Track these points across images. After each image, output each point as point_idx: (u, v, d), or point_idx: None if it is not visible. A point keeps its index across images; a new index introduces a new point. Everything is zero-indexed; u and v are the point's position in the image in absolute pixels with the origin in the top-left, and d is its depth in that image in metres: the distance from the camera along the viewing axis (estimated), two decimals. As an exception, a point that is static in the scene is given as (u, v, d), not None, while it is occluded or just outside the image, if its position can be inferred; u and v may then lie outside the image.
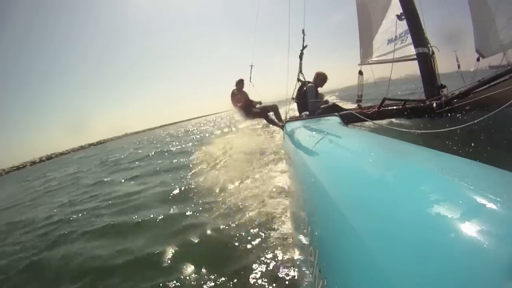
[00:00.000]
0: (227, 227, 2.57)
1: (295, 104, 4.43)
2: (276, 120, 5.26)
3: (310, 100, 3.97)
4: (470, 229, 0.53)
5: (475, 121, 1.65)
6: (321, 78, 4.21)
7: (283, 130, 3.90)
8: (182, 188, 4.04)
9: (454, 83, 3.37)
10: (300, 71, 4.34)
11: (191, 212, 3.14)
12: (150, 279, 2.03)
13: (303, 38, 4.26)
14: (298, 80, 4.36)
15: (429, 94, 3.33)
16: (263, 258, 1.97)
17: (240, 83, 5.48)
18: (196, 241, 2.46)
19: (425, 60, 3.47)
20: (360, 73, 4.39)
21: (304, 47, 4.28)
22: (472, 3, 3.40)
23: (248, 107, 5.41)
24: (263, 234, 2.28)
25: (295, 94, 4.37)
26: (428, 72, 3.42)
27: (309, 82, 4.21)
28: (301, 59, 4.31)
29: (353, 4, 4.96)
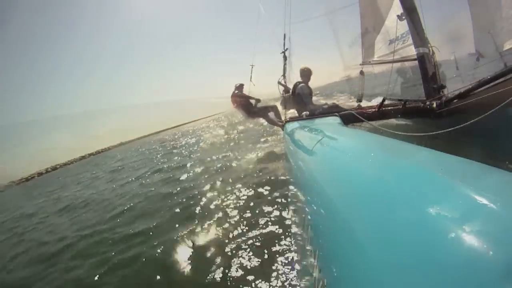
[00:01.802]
0: (228, 228, 2.57)
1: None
2: (276, 120, 5.26)
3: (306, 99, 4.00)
4: (469, 229, 0.53)
5: (472, 121, 1.65)
6: (305, 74, 4.21)
7: (283, 130, 3.89)
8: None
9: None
10: (284, 74, 4.37)
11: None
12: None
13: (284, 42, 4.32)
14: (279, 83, 4.40)
15: (429, 94, 3.32)
16: (263, 258, 1.97)
17: (240, 87, 5.52)
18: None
19: (425, 60, 3.46)
20: (362, 73, 4.39)
21: (285, 50, 4.34)
22: (472, 3, 3.40)
23: (248, 107, 5.42)
24: (263, 234, 2.28)
25: (281, 93, 4.44)
26: (428, 72, 3.41)
27: (300, 83, 4.22)
28: (284, 62, 4.35)
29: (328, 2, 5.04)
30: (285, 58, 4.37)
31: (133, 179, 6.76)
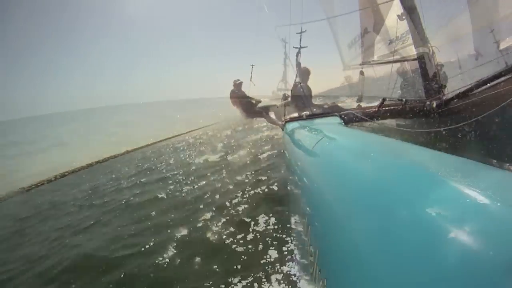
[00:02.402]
0: (226, 227, 2.57)
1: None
2: (276, 120, 5.26)
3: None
4: (469, 229, 0.53)
5: (472, 120, 1.65)
6: (304, 74, 4.24)
7: (283, 130, 3.90)
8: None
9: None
10: (298, 70, 4.31)
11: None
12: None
13: (300, 39, 4.22)
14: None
15: (429, 94, 3.32)
16: (263, 258, 1.97)
17: (239, 85, 5.50)
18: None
19: (425, 60, 3.47)
20: (361, 73, 4.40)
21: (300, 47, 4.23)
22: (471, 5, 3.41)
23: (248, 107, 5.42)
24: (263, 234, 2.28)
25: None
26: (428, 72, 3.42)
27: (299, 83, 4.22)
28: (297, 60, 4.28)
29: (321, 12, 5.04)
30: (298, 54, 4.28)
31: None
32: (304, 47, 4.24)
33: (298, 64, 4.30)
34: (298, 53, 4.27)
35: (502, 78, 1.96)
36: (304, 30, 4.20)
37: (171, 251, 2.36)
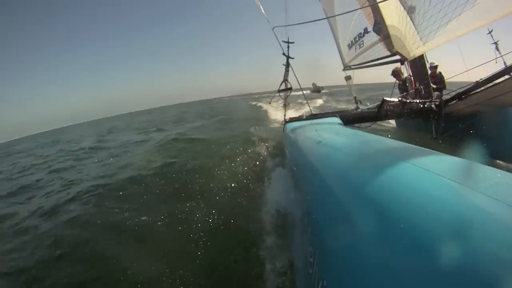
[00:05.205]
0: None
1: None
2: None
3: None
4: (469, 229, 0.54)
5: (471, 120, 1.66)
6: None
7: (283, 130, 3.90)
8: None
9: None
10: (285, 80, 4.18)
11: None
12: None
13: (288, 46, 4.12)
14: (279, 91, 4.21)
15: (428, 95, 3.33)
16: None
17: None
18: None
19: (425, 61, 3.47)
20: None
21: (288, 56, 4.12)
22: (469, 5, 3.42)
23: None
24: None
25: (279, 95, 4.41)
26: (428, 73, 3.43)
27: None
28: (286, 69, 4.15)
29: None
30: (287, 64, 4.19)
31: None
32: (292, 58, 4.15)
33: (286, 73, 4.14)
34: (287, 63, 4.11)
35: (500, 79, 1.97)
36: (292, 42, 4.12)
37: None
